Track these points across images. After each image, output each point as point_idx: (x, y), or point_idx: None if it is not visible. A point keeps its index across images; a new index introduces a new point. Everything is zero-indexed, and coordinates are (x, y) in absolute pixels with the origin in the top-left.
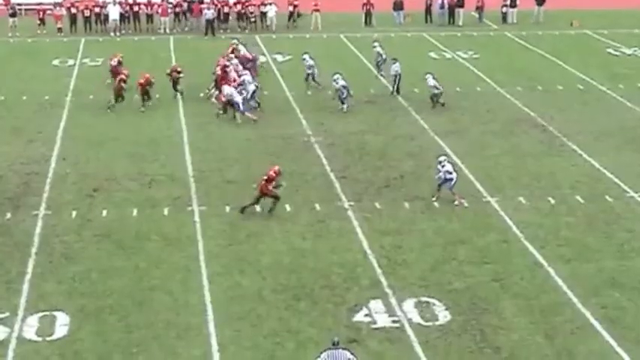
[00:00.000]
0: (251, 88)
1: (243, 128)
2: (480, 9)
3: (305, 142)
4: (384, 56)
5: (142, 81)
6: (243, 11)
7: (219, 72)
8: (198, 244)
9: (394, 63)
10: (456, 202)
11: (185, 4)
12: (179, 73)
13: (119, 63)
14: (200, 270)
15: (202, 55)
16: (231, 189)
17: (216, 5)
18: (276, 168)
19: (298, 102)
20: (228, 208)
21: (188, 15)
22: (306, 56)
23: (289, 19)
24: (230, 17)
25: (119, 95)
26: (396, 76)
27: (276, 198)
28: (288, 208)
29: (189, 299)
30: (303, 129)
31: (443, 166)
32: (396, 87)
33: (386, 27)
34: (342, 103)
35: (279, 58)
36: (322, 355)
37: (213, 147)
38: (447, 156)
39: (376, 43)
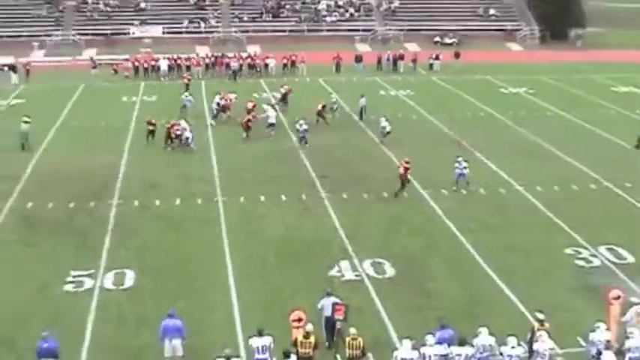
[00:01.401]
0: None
1: (252, 144)
2: (414, 61)
3: (294, 153)
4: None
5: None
6: (252, 63)
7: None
8: (222, 224)
9: (362, 98)
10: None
11: (213, 58)
12: (153, 124)
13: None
14: (223, 242)
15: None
16: (244, 185)
17: (238, 59)
18: (405, 160)
19: (290, 125)
20: (242, 199)
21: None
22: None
23: (283, 68)
24: (243, 67)
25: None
26: (362, 107)
27: (406, 182)
28: (283, 198)
29: (216, 262)
30: (293, 144)
31: (460, 164)
32: (361, 114)
33: (350, 74)
34: (301, 140)
35: (277, 95)
36: (320, 301)
37: (231, 157)
38: (462, 156)
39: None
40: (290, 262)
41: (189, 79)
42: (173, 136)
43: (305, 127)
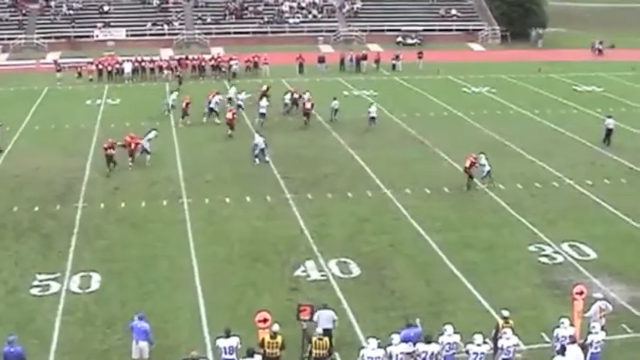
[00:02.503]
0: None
1: (215, 145)
2: (377, 61)
3: (259, 153)
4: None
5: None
6: (216, 64)
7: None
8: (187, 226)
9: (334, 100)
10: (492, 185)
11: (175, 61)
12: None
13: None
14: (189, 243)
15: (188, 93)
16: (209, 186)
17: (198, 60)
18: (473, 156)
19: (254, 126)
20: (207, 200)
21: (178, 67)
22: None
23: (247, 70)
24: (206, 68)
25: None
26: (334, 109)
27: (471, 177)
28: (248, 199)
29: (182, 263)
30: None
31: (480, 161)
32: (334, 116)
33: (313, 74)
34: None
35: (240, 96)
36: (316, 313)
37: (196, 158)
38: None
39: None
40: (255, 263)
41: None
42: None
43: (262, 145)
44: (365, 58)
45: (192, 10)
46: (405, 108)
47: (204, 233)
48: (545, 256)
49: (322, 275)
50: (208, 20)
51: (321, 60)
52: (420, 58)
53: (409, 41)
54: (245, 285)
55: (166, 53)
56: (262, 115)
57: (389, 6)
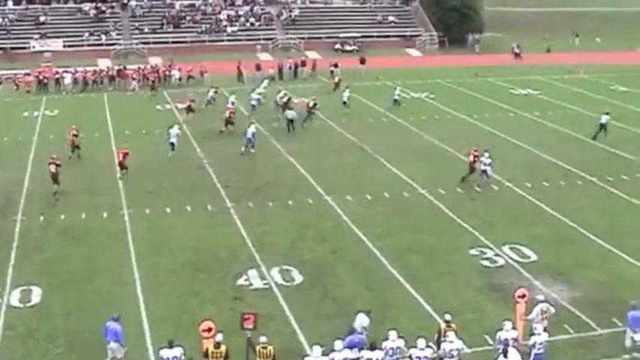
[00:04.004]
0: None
1: (155, 155)
2: (313, 68)
3: (199, 163)
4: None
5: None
6: (165, 75)
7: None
8: (128, 237)
9: (290, 110)
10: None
11: (115, 71)
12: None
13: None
14: (130, 254)
15: (127, 104)
16: (149, 197)
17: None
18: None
19: (193, 135)
20: (147, 210)
21: (117, 79)
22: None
23: (188, 80)
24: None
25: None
26: (291, 119)
27: (472, 172)
28: (189, 208)
29: (123, 274)
30: (197, 154)
31: (485, 159)
32: (289, 127)
33: (252, 83)
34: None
35: (179, 105)
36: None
37: (135, 168)
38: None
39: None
40: (198, 273)
41: (192, 101)
42: (76, 143)
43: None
44: (304, 64)
45: (130, 20)
46: (344, 114)
47: (145, 244)
48: (487, 259)
49: (265, 283)
50: (146, 30)
51: (258, 68)
52: (362, 64)
53: (347, 48)
54: (188, 295)
55: (104, 63)
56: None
57: (327, 13)
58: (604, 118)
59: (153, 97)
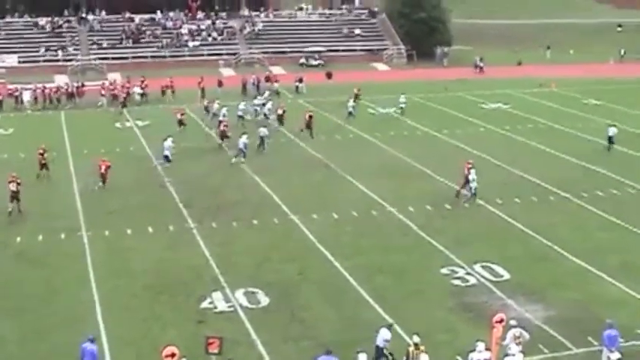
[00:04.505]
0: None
1: (115, 174)
2: (275, 82)
3: (160, 182)
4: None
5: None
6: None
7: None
8: (87, 259)
9: (263, 127)
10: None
11: (75, 89)
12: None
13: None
14: (89, 276)
15: (85, 121)
16: (109, 218)
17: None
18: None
19: (155, 154)
20: (107, 232)
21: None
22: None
23: (163, 94)
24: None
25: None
26: (263, 136)
27: (467, 182)
28: (150, 229)
29: (83, 298)
30: (158, 172)
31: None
32: (260, 145)
33: (213, 98)
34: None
35: (140, 123)
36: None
37: (94, 189)
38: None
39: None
40: (159, 296)
41: (182, 114)
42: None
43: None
44: (268, 79)
45: (88, 35)
46: (307, 132)
47: (105, 266)
48: (458, 278)
49: (229, 306)
50: (104, 45)
51: (220, 84)
52: (329, 78)
53: (313, 62)
54: (150, 319)
55: (61, 79)
56: (350, 113)
57: (291, 27)
58: (611, 131)
59: (120, 114)
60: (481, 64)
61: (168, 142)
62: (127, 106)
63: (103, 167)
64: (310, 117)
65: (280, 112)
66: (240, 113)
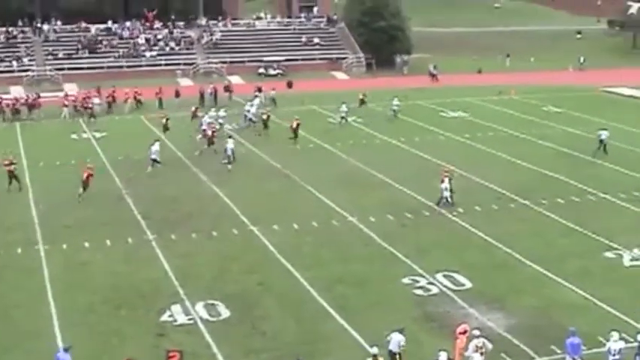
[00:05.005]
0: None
1: (72, 187)
2: (230, 92)
3: (117, 194)
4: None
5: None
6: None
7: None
8: (44, 273)
9: (229, 138)
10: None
11: (31, 99)
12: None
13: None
14: (47, 292)
15: (41, 133)
16: (66, 231)
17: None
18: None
19: (112, 166)
20: (65, 245)
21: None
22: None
23: (109, 106)
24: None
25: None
26: (231, 149)
27: (452, 192)
28: (108, 242)
29: (39, 313)
30: (116, 185)
31: (442, 182)
32: (232, 157)
33: (171, 109)
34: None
35: (97, 135)
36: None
37: (51, 201)
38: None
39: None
40: (118, 310)
41: (167, 119)
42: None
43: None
44: (227, 89)
45: (43, 45)
46: (269, 141)
47: (62, 281)
48: (420, 287)
49: (189, 319)
50: (60, 55)
51: (177, 94)
52: (290, 87)
53: (272, 72)
54: (109, 333)
55: (16, 91)
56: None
57: (249, 36)
58: (603, 135)
59: (89, 123)
60: (435, 72)
61: (156, 147)
62: (95, 117)
63: (85, 175)
64: (298, 125)
65: (264, 117)
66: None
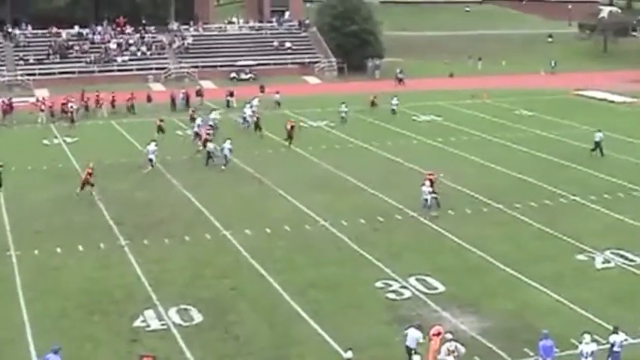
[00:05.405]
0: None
1: (44, 192)
2: (200, 95)
3: (90, 200)
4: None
5: None
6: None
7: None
8: (16, 280)
9: (210, 142)
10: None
11: (5, 105)
12: None
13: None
14: (18, 297)
15: (12, 138)
16: (38, 237)
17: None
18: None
19: (83, 170)
20: (37, 251)
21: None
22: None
23: (87, 110)
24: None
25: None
26: (209, 152)
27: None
28: (80, 248)
29: (12, 320)
30: (88, 190)
31: (423, 185)
32: (211, 159)
33: (145, 114)
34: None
35: (68, 140)
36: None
37: (22, 206)
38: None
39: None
40: (91, 315)
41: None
42: None
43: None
44: (199, 94)
45: (14, 50)
46: (241, 146)
47: (34, 287)
48: (393, 291)
49: (163, 324)
50: (31, 60)
51: (149, 99)
52: (262, 92)
53: (243, 77)
54: (82, 339)
55: None
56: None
57: (221, 41)
58: (597, 136)
59: (70, 128)
60: (401, 77)
61: (152, 147)
62: (74, 121)
63: (85, 174)
64: (292, 127)
65: (255, 118)
66: (195, 129)
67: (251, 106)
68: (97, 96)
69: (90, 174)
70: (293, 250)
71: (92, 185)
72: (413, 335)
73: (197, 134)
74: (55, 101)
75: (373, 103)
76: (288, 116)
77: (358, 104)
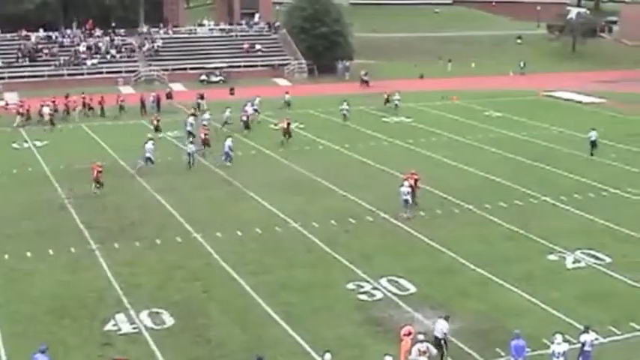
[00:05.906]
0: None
1: (14, 196)
2: (169, 97)
3: (60, 203)
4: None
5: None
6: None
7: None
8: None
9: (191, 144)
10: (407, 216)
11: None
12: None
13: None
14: None
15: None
16: (8, 241)
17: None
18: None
19: (53, 174)
20: (6, 256)
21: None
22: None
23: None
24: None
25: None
26: (190, 153)
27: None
28: (51, 252)
29: None
30: (58, 194)
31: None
32: (192, 161)
33: (115, 118)
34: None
35: (38, 143)
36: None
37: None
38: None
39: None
40: (62, 320)
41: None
42: None
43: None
44: (169, 96)
45: None
46: (211, 149)
47: (4, 291)
48: (364, 293)
49: (134, 328)
50: (0, 64)
51: (121, 105)
52: (232, 94)
53: (213, 79)
54: (53, 343)
55: None
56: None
57: (191, 43)
58: (593, 135)
59: (51, 131)
60: (366, 79)
61: (149, 145)
62: (54, 124)
63: (95, 172)
64: (288, 124)
65: (245, 118)
66: (189, 128)
67: (252, 105)
68: (67, 99)
69: (99, 172)
70: (264, 253)
71: (101, 185)
72: (440, 326)
73: (190, 133)
74: (31, 104)
75: (387, 100)
76: (288, 118)
77: (330, 106)
